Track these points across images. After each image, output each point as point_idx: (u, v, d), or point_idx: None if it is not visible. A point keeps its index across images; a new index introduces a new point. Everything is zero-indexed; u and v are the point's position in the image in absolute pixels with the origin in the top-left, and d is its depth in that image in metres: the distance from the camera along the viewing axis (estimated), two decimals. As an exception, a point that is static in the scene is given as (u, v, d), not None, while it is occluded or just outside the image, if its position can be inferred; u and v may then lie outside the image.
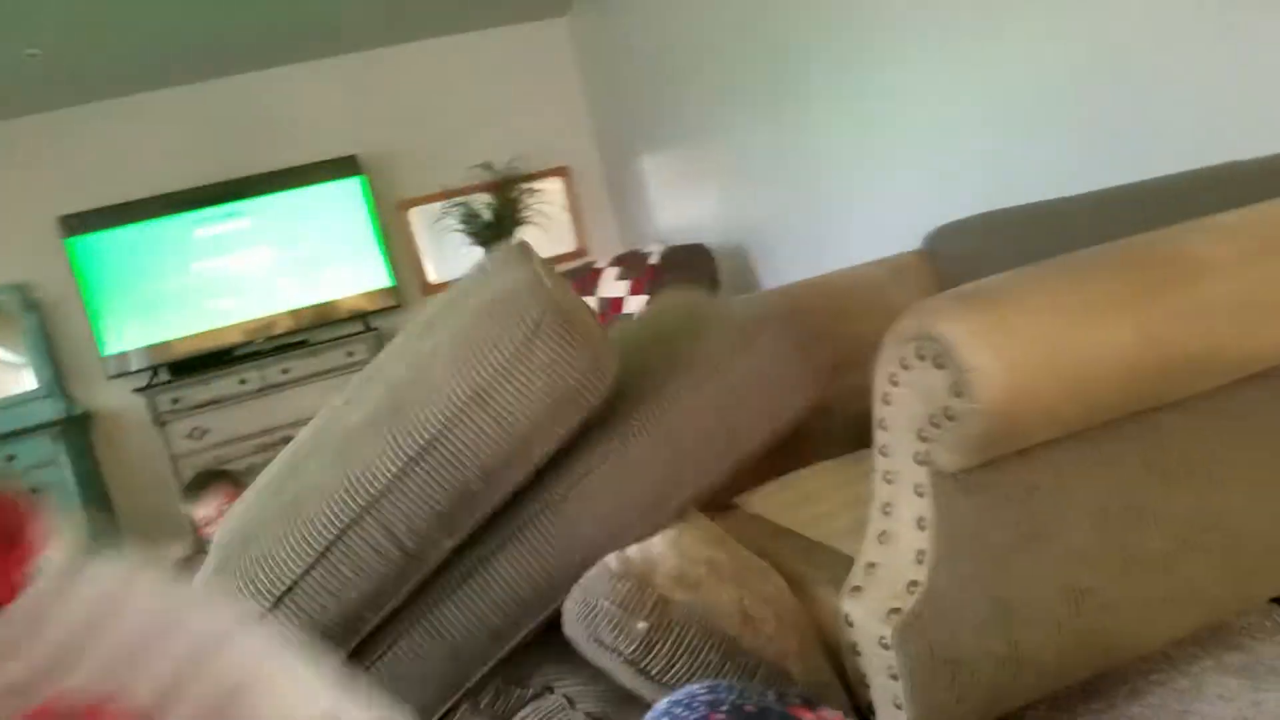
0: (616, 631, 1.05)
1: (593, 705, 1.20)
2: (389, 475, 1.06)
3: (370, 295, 4.63)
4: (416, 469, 1.07)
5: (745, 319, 1.30)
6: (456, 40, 4.84)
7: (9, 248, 4.35)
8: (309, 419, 1.67)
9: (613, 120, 4.79)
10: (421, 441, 1.07)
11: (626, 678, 1.10)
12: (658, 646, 1.06)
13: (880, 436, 1.10)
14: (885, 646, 1.04)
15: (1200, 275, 0.98)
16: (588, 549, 1.16)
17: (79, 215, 4.24)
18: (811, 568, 1.27)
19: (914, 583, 1.04)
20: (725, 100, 3.36)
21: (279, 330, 4.49)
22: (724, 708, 0.53)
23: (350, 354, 4.37)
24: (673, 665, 1.07)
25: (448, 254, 4.87)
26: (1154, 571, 1.05)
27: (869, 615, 1.07)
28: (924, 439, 1.02)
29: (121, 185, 4.38)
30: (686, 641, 1.07)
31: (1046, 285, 1.00)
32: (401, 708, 1.14)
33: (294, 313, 4.53)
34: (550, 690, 1.21)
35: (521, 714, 1.20)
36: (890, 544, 1.09)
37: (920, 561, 1.04)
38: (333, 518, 1.07)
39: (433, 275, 4.91)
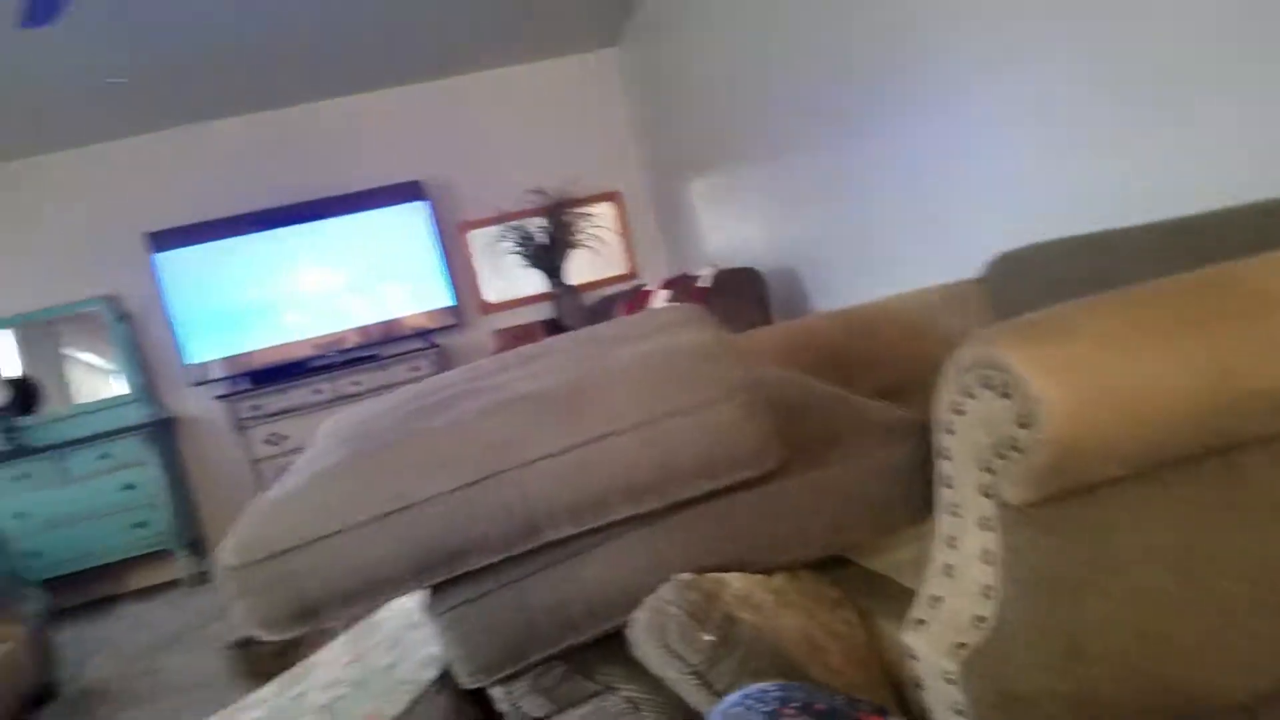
0: (684, 641, 1.01)
1: (655, 714, 1.14)
2: (546, 452, 1.05)
3: (432, 314, 4.65)
4: (569, 458, 1.05)
5: (885, 423, 1.23)
6: (513, 71, 4.87)
7: (102, 262, 4.45)
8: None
9: (661, 146, 4.75)
10: (584, 438, 1.06)
11: (690, 691, 1.04)
12: (723, 662, 1.01)
13: (943, 467, 1.02)
14: (950, 681, 0.96)
15: (1270, 311, 0.89)
16: (672, 574, 1.12)
17: (164, 232, 4.33)
18: (873, 600, 1.20)
19: (980, 618, 0.96)
20: (777, 124, 3.30)
21: (347, 345, 4.52)
22: (795, 703, 0.49)
23: (414, 369, 4.38)
24: (736, 683, 1.01)
25: (503, 275, 4.88)
26: (1235, 618, 0.95)
27: (933, 649, 0.99)
28: (988, 470, 0.94)
29: (203, 205, 4.47)
30: (752, 662, 1.02)
31: (1115, 314, 0.91)
32: (465, 657, 1.12)
33: (361, 329, 4.56)
34: (614, 690, 1.16)
35: (584, 708, 1.15)
36: (955, 578, 1.01)
37: (987, 596, 0.96)
38: (481, 463, 1.05)
39: (489, 295, 4.91)
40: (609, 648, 1.20)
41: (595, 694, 1.17)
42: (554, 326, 4.56)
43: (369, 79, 4.54)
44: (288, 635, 1.24)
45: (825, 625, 1.11)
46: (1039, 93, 1.97)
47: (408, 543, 1.04)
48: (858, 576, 1.31)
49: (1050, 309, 0.95)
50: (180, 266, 4.36)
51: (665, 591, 1.06)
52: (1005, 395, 0.87)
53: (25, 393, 4.34)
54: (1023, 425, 0.86)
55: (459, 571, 1.09)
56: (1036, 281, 1.73)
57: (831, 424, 1.25)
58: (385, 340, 4.58)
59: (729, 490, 1.13)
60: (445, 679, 1.27)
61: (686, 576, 1.08)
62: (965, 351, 0.93)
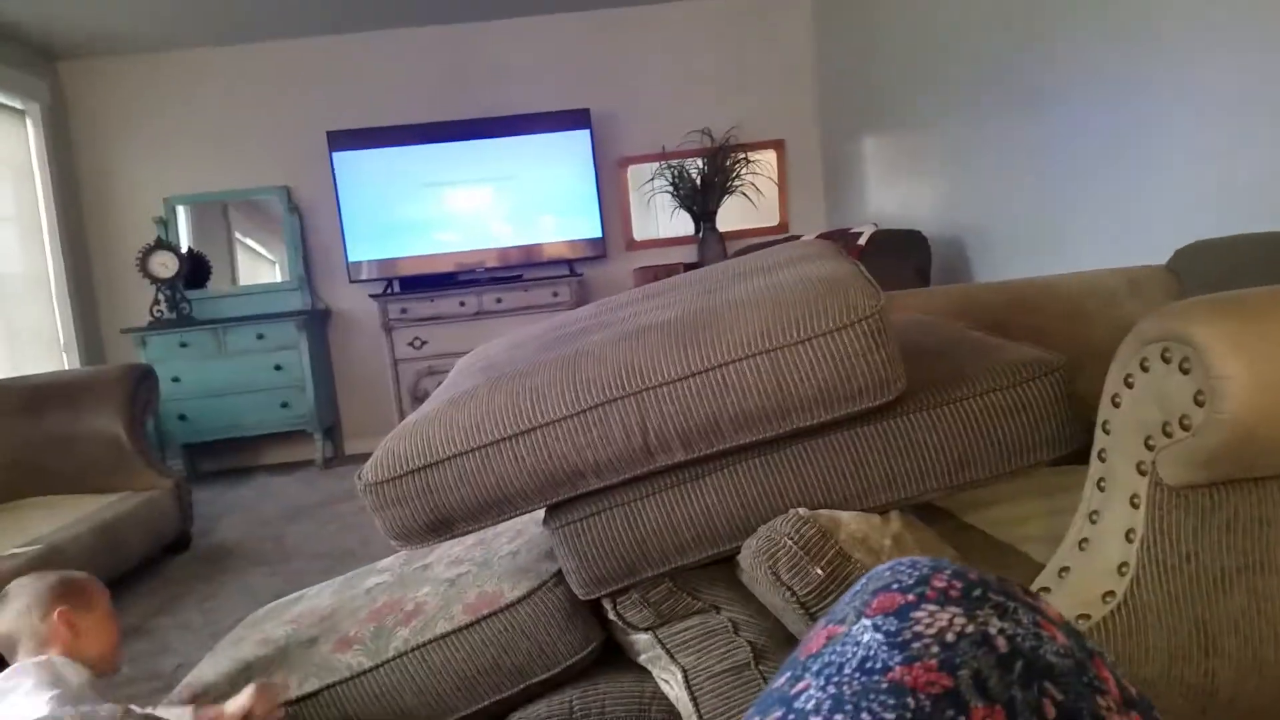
0: (794, 571, 1.05)
1: (755, 635, 1.21)
2: (665, 378, 1.10)
3: (576, 245, 4.77)
4: (689, 384, 1.10)
5: (1022, 361, 1.23)
6: (696, 5, 4.86)
7: (281, 154, 4.80)
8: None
9: (838, 98, 4.66)
10: (704, 364, 1.09)
11: (793, 619, 1.10)
12: (830, 596, 1.05)
13: (1101, 440, 1.02)
14: (1067, 651, 0.98)
15: None
16: (786, 506, 1.16)
17: (343, 132, 4.61)
18: (994, 565, 1.21)
19: (1110, 593, 0.97)
20: (962, 89, 3.19)
21: (491, 265, 4.72)
22: (947, 571, 0.50)
23: (555, 294, 4.54)
24: None
25: (654, 213, 4.94)
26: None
27: (1054, 616, 1.01)
28: (1151, 446, 0.94)
29: (381, 111, 4.73)
30: None
31: (1318, 304, 0.89)
32: (577, 570, 1.20)
33: (507, 250, 4.74)
34: (718, 609, 1.23)
35: (686, 623, 1.23)
36: (1091, 552, 1.02)
37: (1121, 574, 0.97)
38: (605, 387, 1.11)
39: (637, 232, 5.00)
40: (715, 570, 1.27)
41: (699, 611, 1.24)
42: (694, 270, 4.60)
43: (550, 1, 4.65)
44: (423, 546, 1.37)
45: None
46: (1239, 82, 1.85)
47: (532, 462, 1.12)
48: (980, 543, 1.33)
49: (1246, 290, 0.94)
50: (352, 168, 4.65)
51: (780, 523, 1.11)
52: (1184, 370, 0.87)
53: (196, 267, 4.77)
54: (1200, 403, 0.86)
55: (579, 491, 1.17)
56: (1226, 274, 1.65)
57: (963, 361, 1.24)
58: (529, 264, 4.76)
59: (850, 422, 1.15)
60: (561, 574, 1.37)
61: (804, 511, 1.12)
62: (1148, 323, 0.93)
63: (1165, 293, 1.76)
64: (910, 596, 0.49)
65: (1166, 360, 0.90)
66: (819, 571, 1.05)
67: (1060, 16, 2.53)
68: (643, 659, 1.30)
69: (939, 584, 0.48)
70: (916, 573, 0.50)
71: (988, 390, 1.17)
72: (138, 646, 2.17)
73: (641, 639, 1.25)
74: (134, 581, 2.75)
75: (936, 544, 1.23)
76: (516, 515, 1.22)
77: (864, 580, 0.52)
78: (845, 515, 1.14)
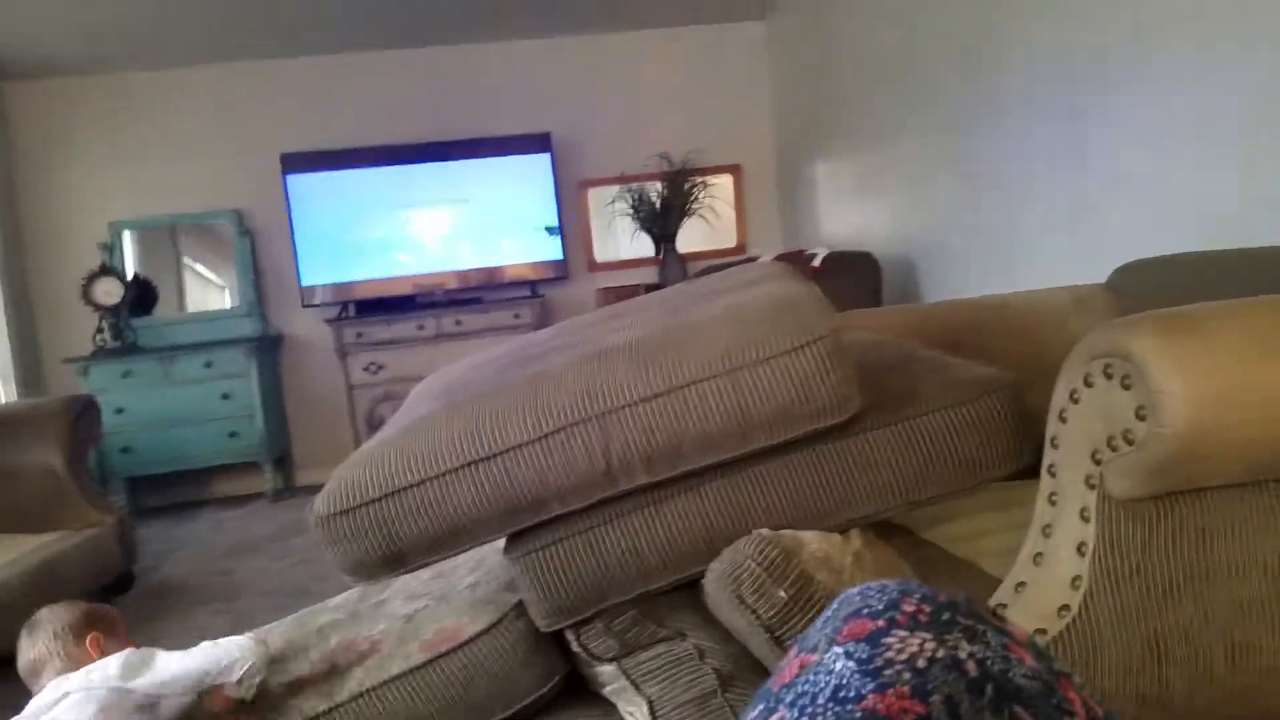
0: (758, 594, 1.05)
1: (720, 662, 1.20)
2: (628, 399, 1.10)
3: (538, 266, 4.78)
4: (649, 406, 1.10)
5: (973, 380, 1.25)
6: (656, 34, 4.94)
7: (233, 177, 4.75)
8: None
9: (793, 123, 4.75)
10: (666, 385, 1.10)
11: (759, 644, 1.10)
12: (795, 619, 1.06)
13: (1050, 455, 1.05)
14: (1024, 665, 1.00)
15: None
16: (750, 527, 1.16)
17: (297, 155, 4.58)
18: (952, 582, 1.23)
19: (1065, 607, 1.00)
20: (911, 111, 3.28)
21: (451, 287, 4.70)
22: (916, 595, 0.51)
23: (517, 316, 4.53)
24: None
25: (614, 235, 4.98)
26: (1332, 640, 0.96)
27: (1011, 632, 1.03)
28: (1098, 461, 0.97)
29: (337, 133, 4.71)
30: None
31: (1254, 318, 0.92)
32: (539, 601, 1.19)
33: (467, 273, 4.73)
34: (683, 636, 1.22)
35: (651, 651, 1.22)
36: (1045, 566, 1.05)
37: (1075, 587, 0.99)
38: (567, 410, 1.11)
39: (599, 254, 5.02)
40: (679, 597, 1.26)
41: (663, 639, 1.24)
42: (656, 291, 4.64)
43: (511, 27, 4.68)
44: (377, 581, 1.35)
45: None
46: (1179, 105, 1.93)
47: (492, 490, 1.11)
48: (937, 558, 1.35)
49: (1186, 306, 0.97)
50: (307, 191, 4.62)
51: (743, 545, 1.11)
52: (1126, 385, 0.90)
53: (142, 293, 4.68)
54: (1141, 417, 0.88)
55: (541, 518, 1.16)
56: (1167, 292, 1.70)
57: (918, 380, 1.27)
58: (490, 286, 4.75)
59: (809, 441, 1.16)
60: (523, 605, 1.36)
61: (766, 532, 1.12)
62: (1091, 338, 0.96)
63: (1108, 310, 1.81)
64: (881, 622, 0.49)
65: (1109, 376, 0.93)
66: (783, 594, 1.05)
67: (1006, 40, 2.61)
68: (607, 691, 1.29)
69: (908, 608, 0.49)
70: (886, 597, 0.50)
71: (940, 408, 1.19)
72: (78, 690, 2.10)
73: (606, 670, 1.24)
74: (74, 622, 2.67)
75: (896, 561, 1.24)
76: (475, 546, 1.20)
77: (835, 605, 0.53)
78: (807, 535, 1.15)
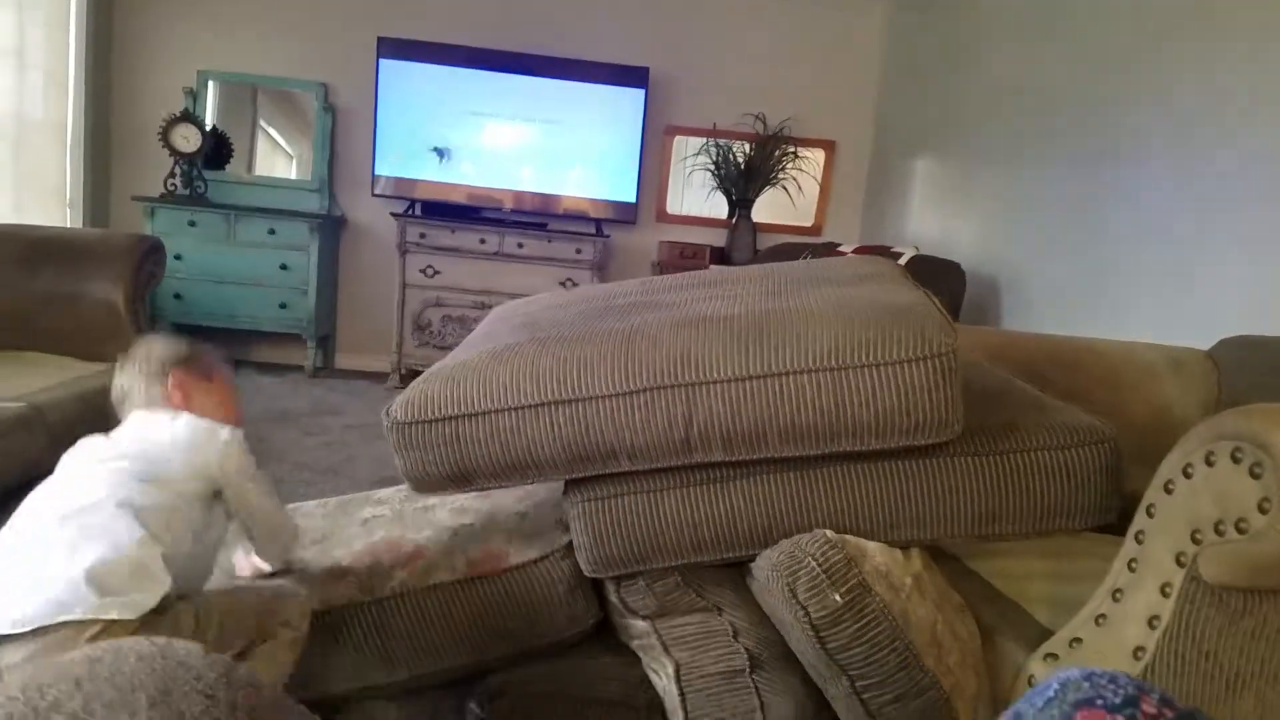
0: (812, 592, 1.06)
1: (754, 644, 1.21)
2: (721, 375, 1.09)
3: (608, 205, 4.73)
4: (742, 387, 1.09)
5: (1075, 426, 1.20)
6: (778, -9, 4.80)
7: (324, 50, 4.71)
8: (526, 294, 1.78)
9: (898, 113, 4.63)
10: (764, 370, 1.09)
11: (798, 639, 1.11)
12: (844, 625, 1.06)
13: (1141, 521, 1.03)
14: (1069, 721, 0.99)
15: None
16: (811, 525, 1.16)
17: (394, 41, 4.54)
18: (997, 619, 1.22)
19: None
20: (1027, 132, 3.18)
21: (516, 206, 4.67)
22: (1154, 696, 0.50)
23: (579, 251, 4.50)
24: (849, 649, 1.07)
25: (691, 189, 4.91)
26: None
27: (1061, 685, 1.03)
28: (1197, 540, 0.95)
29: (439, 26, 4.65)
30: (871, 634, 1.06)
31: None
32: (590, 548, 1.21)
33: (519, 194, 4.68)
34: (720, 611, 1.23)
35: (687, 619, 1.24)
36: (1107, 629, 1.04)
37: (1137, 658, 0.99)
38: (659, 373, 1.11)
39: (670, 205, 4.96)
40: (722, 572, 1.27)
41: (701, 609, 1.25)
42: (721, 255, 4.60)
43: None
44: (436, 495, 1.35)
45: (950, 625, 1.15)
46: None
47: (568, 434, 1.12)
48: (983, 592, 1.34)
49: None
50: (396, 79, 4.57)
51: (805, 542, 1.11)
52: (1256, 475, 0.88)
53: (218, 147, 4.70)
54: (1263, 510, 0.86)
55: (609, 471, 1.16)
56: (1268, 374, 1.66)
57: (1017, 413, 1.24)
58: (549, 215, 4.71)
59: (893, 453, 1.14)
60: (570, 549, 1.37)
61: (831, 534, 1.12)
62: (1225, 418, 0.93)
63: (1206, 378, 1.77)
64: (1120, 717, 0.49)
65: (1236, 460, 0.91)
66: (838, 598, 1.06)
67: (1135, 82, 2.52)
68: (635, 644, 1.31)
69: (1149, 709, 0.48)
70: (1122, 692, 0.49)
71: (1037, 448, 1.17)
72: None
73: (638, 625, 1.26)
74: (109, 456, 2.73)
75: (949, 591, 1.24)
76: (538, 482, 1.21)
77: (1055, 686, 0.52)
78: (871, 546, 1.14)
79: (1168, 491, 1.00)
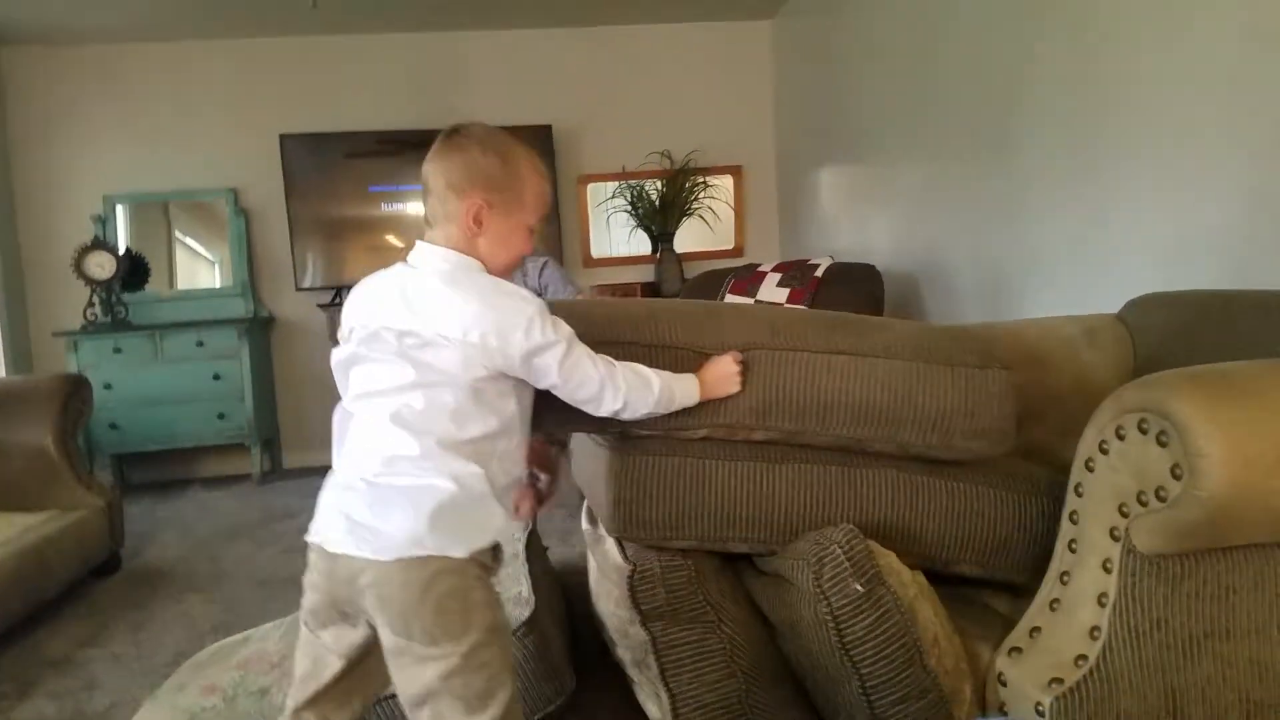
0: (835, 580, 1.08)
1: (749, 663, 1.22)
2: (808, 345, 1.16)
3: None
4: (826, 359, 1.16)
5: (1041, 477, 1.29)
6: (661, 29, 4.88)
7: (230, 155, 4.67)
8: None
9: (797, 128, 4.72)
10: (847, 347, 1.16)
11: (813, 638, 1.12)
12: (862, 615, 1.07)
13: (1073, 502, 1.05)
14: (1040, 714, 0.99)
15: None
16: (838, 520, 1.19)
17: (297, 136, 4.52)
18: (966, 620, 1.22)
19: (1082, 656, 0.99)
20: (921, 129, 3.26)
21: (448, 275, 4.64)
22: None
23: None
24: (865, 641, 1.08)
25: (612, 233, 4.95)
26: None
27: (1026, 679, 1.03)
28: (1125, 514, 0.96)
29: (337, 115, 4.64)
30: (885, 627, 1.08)
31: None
32: (626, 502, 1.19)
33: (464, 262, 4.66)
34: (720, 625, 1.22)
35: (686, 631, 1.21)
36: (1062, 613, 1.04)
37: (1093, 638, 0.99)
38: (750, 333, 1.17)
39: (594, 250, 4.99)
40: (728, 582, 1.28)
41: (702, 618, 1.23)
42: (652, 290, 4.63)
43: (519, 15, 4.61)
44: None
45: (944, 628, 1.15)
46: (1196, 140, 1.92)
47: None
48: (950, 593, 1.34)
49: (1225, 365, 0.96)
50: (305, 173, 4.55)
51: (832, 532, 1.12)
52: (1163, 443, 0.89)
53: (134, 268, 4.59)
54: (1176, 476, 0.88)
55: (664, 429, 1.17)
56: (1178, 329, 1.70)
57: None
58: (484, 277, 4.68)
59: (932, 466, 1.20)
60: (533, 621, 1.34)
61: (852, 527, 1.13)
62: (1127, 391, 0.95)
63: (1120, 343, 1.81)
64: None
65: (1143, 431, 0.92)
66: (859, 587, 1.07)
67: (1022, 69, 2.60)
68: (628, 663, 1.27)
69: None
70: None
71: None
72: (63, 683, 2.04)
73: (638, 637, 1.22)
74: (59, 608, 2.60)
75: (936, 596, 1.23)
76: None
77: None
78: (880, 549, 1.15)
79: (1089, 469, 1.01)
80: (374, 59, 4.72)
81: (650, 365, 1.11)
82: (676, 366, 1.13)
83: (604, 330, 1.14)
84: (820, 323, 1.19)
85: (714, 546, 1.22)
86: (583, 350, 1.07)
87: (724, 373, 1.14)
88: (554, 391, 1.08)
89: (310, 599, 1.07)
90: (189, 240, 4.80)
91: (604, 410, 1.09)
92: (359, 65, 4.71)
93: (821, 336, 1.16)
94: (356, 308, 1.14)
